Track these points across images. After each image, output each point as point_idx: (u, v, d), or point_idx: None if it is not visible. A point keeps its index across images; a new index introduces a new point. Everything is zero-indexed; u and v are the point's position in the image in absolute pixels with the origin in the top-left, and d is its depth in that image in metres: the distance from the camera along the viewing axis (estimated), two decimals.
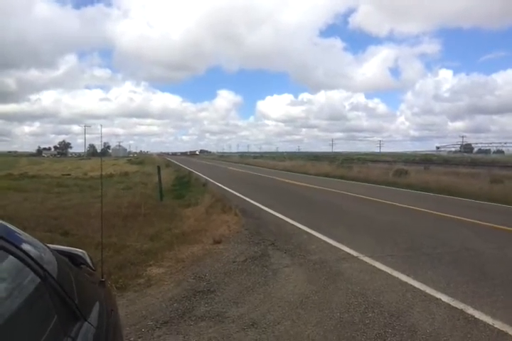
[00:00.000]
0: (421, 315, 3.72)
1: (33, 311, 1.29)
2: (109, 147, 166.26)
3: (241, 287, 4.55)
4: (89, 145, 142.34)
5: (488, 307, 3.86)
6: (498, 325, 3.47)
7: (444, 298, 4.09)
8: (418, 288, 4.39)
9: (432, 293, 4.23)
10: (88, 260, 2.09)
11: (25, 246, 1.39)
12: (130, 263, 5.30)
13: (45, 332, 1.23)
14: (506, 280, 4.70)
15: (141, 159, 64.76)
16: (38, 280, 1.34)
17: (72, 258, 1.97)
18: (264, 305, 4.00)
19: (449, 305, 3.94)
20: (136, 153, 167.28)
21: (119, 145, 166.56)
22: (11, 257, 1.27)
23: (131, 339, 3.28)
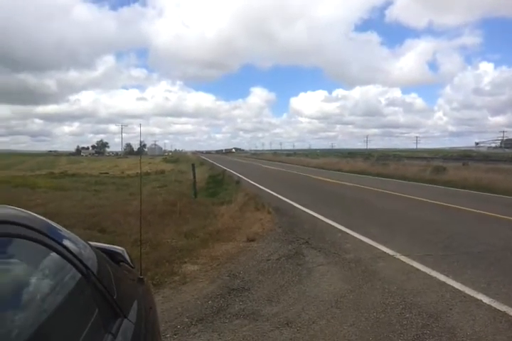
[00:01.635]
0: (461, 316, 3.61)
1: (75, 307, 1.32)
2: (145, 146, 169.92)
3: (275, 285, 4.54)
4: (126, 144, 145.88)
5: None
6: None
7: (485, 300, 3.95)
8: (457, 289, 4.25)
9: (472, 294, 4.09)
10: (127, 257, 2.11)
11: (67, 243, 1.43)
12: (166, 260, 5.38)
13: (86, 327, 1.26)
14: None
15: (176, 157, 65.82)
16: (80, 276, 1.37)
17: (112, 255, 1.99)
18: (298, 304, 3.98)
19: (491, 306, 3.80)
20: (171, 151, 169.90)
21: (155, 144, 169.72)
22: (53, 254, 1.30)
23: (167, 335, 3.34)
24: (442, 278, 4.61)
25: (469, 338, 3.19)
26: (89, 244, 1.70)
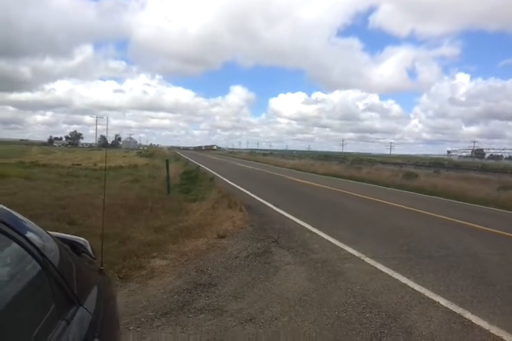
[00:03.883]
0: (418, 317, 3.75)
1: (33, 297, 1.34)
2: (120, 139, 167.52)
3: (242, 282, 4.60)
4: (101, 136, 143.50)
5: (485, 312, 3.88)
6: (494, 330, 3.49)
7: (443, 302, 4.11)
8: (417, 291, 4.41)
9: (430, 296, 4.25)
10: (89, 248, 2.15)
11: (28, 233, 1.44)
12: (134, 254, 5.36)
13: (44, 317, 1.29)
14: (506, 286, 4.69)
15: (150, 152, 65.02)
16: (39, 267, 1.39)
17: (74, 246, 2.03)
18: (263, 301, 4.04)
19: (447, 308, 3.96)
20: (146, 146, 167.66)
21: (130, 138, 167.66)
22: (13, 243, 1.32)
23: (131, 328, 3.35)
24: (404, 280, 4.76)
25: (424, 337, 3.33)
26: (51, 235, 1.72)
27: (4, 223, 1.30)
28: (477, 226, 8.66)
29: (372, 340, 3.26)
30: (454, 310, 3.92)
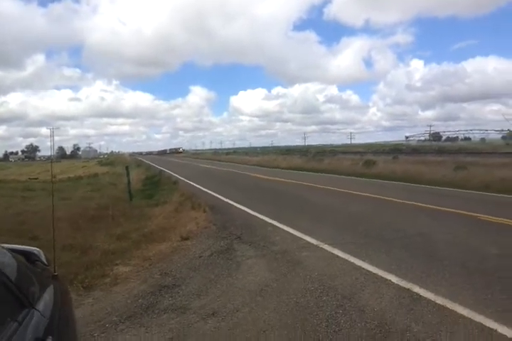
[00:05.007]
0: (371, 295, 3.99)
1: None
2: (78, 149, 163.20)
3: (205, 280, 4.72)
4: (58, 147, 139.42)
5: (432, 285, 4.17)
6: (439, 300, 3.77)
7: (394, 279, 4.38)
8: (371, 271, 4.66)
9: (383, 275, 4.51)
10: (43, 257, 2.31)
11: None
12: (97, 263, 5.39)
13: None
14: (454, 261, 5.02)
15: (111, 160, 63.81)
16: None
17: (28, 255, 2.19)
18: (225, 296, 4.18)
19: (398, 285, 4.23)
20: (106, 153, 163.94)
21: (89, 147, 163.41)
22: None
23: (95, 334, 3.42)
24: (359, 262, 5.01)
25: (376, 313, 3.56)
26: (3, 247, 1.84)
27: None
28: (432, 206, 9.10)
29: (329, 321, 3.46)
30: (403, 285, 4.19)
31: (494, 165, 18.11)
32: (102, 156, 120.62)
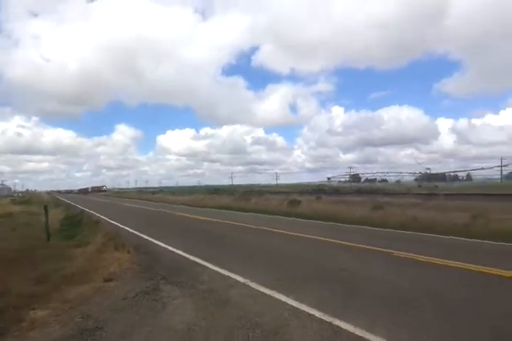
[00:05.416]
0: (296, 329, 4.15)
1: None
2: None
3: (130, 322, 4.61)
4: None
5: (352, 318, 4.43)
6: (358, 331, 4.02)
7: (317, 314, 4.59)
8: (295, 307, 4.84)
9: (306, 310, 4.71)
10: None
11: None
12: (12, 307, 5.06)
13: None
14: (372, 295, 5.36)
15: (26, 198, 59.55)
16: None
17: None
18: (151, 337, 4.12)
19: (321, 319, 4.44)
20: (21, 192, 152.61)
21: (2, 184, 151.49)
22: None
23: None
24: (283, 298, 5.19)
25: None
26: None
27: None
28: (350, 244, 9.61)
29: None
30: (325, 319, 4.41)
31: (407, 204, 19.54)
32: (16, 194, 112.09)
